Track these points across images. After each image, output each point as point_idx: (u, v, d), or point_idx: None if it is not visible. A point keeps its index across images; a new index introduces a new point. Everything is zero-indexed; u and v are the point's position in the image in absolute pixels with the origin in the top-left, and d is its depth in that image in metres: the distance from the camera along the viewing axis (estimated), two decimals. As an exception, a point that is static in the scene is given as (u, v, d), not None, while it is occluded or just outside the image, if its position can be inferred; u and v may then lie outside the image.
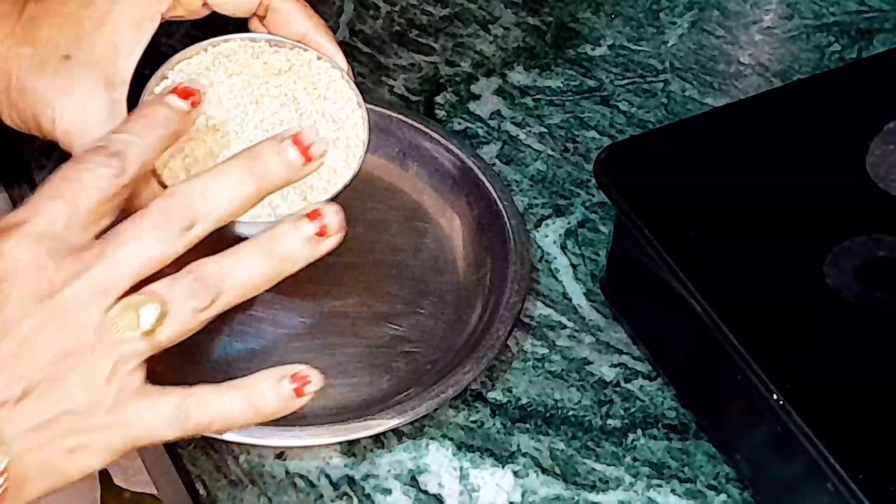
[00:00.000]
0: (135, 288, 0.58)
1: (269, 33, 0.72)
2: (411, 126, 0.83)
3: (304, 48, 0.72)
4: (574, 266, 0.79)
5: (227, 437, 0.69)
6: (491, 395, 0.73)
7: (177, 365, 0.73)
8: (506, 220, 0.78)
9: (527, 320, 0.77)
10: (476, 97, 0.89)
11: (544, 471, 0.70)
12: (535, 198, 0.83)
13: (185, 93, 0.64)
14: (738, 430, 0.69)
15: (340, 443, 0.70)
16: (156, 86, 0.70)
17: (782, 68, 0.91)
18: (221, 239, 0.62)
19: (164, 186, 0.67)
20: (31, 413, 0.56)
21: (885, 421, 0.63)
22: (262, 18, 0.72)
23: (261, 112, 0.69)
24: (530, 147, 0.86)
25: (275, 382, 0.60)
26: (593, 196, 0.83)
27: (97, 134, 0.65)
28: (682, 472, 0.70)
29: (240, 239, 0.62)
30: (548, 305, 0.77)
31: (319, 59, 0.72)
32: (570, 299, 0.78)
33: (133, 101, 0.68)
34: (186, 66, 0.70)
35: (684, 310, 0.67)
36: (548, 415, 0.73)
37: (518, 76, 0.90)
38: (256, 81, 0.70)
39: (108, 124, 0.66)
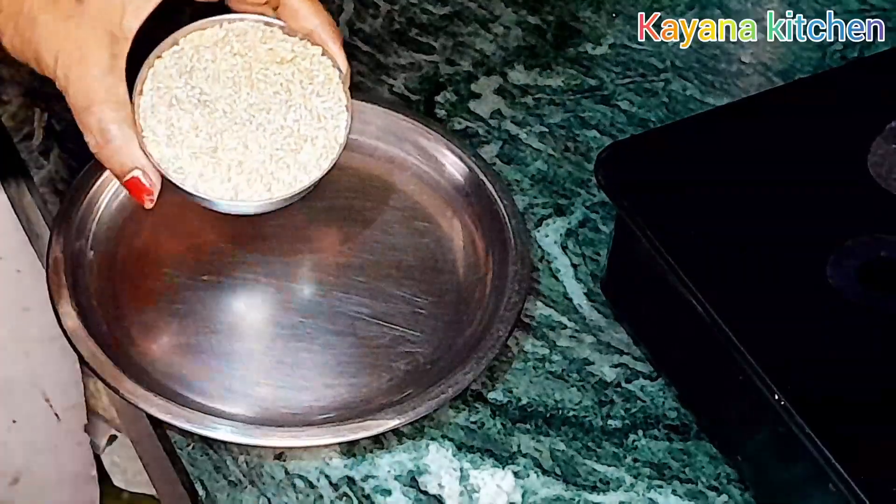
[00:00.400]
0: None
1: None
2: (411, 125, 0.83)
3: (311, 43, 0.73)
4: (575, 266, 0.79)
5: (227, 437, 0.69)
6: (491, 395, 0.73)
7: (175, 364, 0.73)
8: (506, 219, 0.78)
9: (527, 320, 0.76)
10: (476, 96, 0.88)
11: (545, 471, 0.70)
12: (535, 197, 0.82)
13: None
14: (740, 431, 0.69)
15: (340, 443, 0.70)
16: (166, 49, 0.72)
17: (784, 67, 0.91)
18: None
19: (145, 152, 0.69)
20: None
21: (887, 421, 0.62)
22: (274, 10, 0.73)
23: (253, 96, 0.71)
24: (531, 146, 0.85)
25: None
26: (594, 196, 0.82)
27: (93, 85, 0.68)
28: (683, 472, 0.70)
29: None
30: (548, 305, 0.77)
31: (323, 55, 0.73)
32: (570, 299, 0.78)
33: (140, 59, 0.70)
34: (199, 36, 0.72)
35: (685, 310, 0.67)
36: (548, 415, 0.72)
37: (518, 75, 0.90)
38: (258, 65, 0.72)
39: (105, 78, 0.68)
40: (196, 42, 0.72)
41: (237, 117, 0.70)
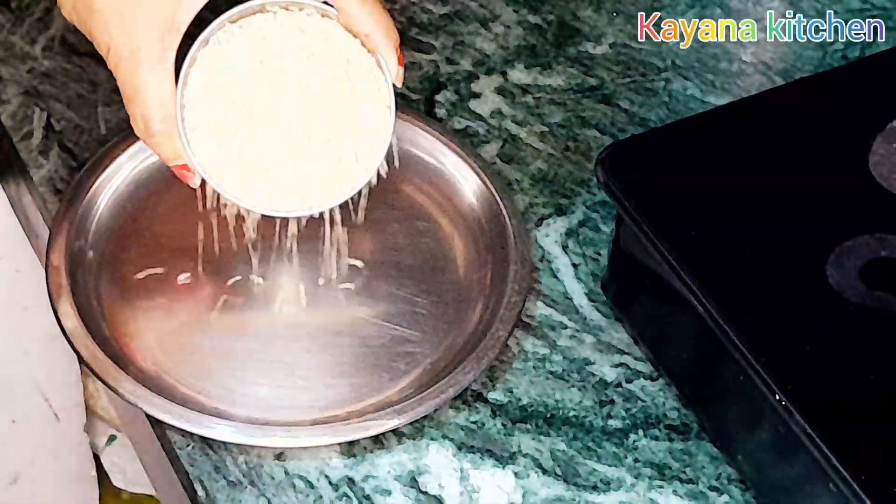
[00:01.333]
0: None
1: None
2: (411, 125, 0.82)
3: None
4: (575, 266, 0.79)
5: (226, 437, 0.69)
6: (491, 395, 0.73)
7: (175, 364, 0.73)
8: (506, 219, 0.78)
9: (527, 320, 0.76)
10: (476, 96, 0.88)
11: (545, 472, 0.70)
12: (535, 197, 0.82)
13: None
14: (740, 431, 0.69)
15: (340, 443, 0.70)
16: (215, 33, 0.69)
17: (784, 67, 0.91)
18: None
19: (186, 144, 0.69)
20: None
21: (887, 421, 0.62)
22: None
23: (299, 102, 0.69)
24: (531, 146, 0.85)
25: None
26: (594, 195, 0.82)
27: (142, 79, 0.68)
28: (684, 472, 0.70)
29: None
30: (549, 305, 0.77)
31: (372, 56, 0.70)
32: (571, 299, 0.77)
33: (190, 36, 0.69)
34: (249, 22, 0.69)
35: (686, 310, 0.67)
36: (549, 415, 0.72)
37: (519, 74, 0.90)
38: (307, 69, 0.69)
39: (153, 73, 0.68)
40: (246, 28, 0.70)
41: (280, 122, 0.69)
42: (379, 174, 0.72)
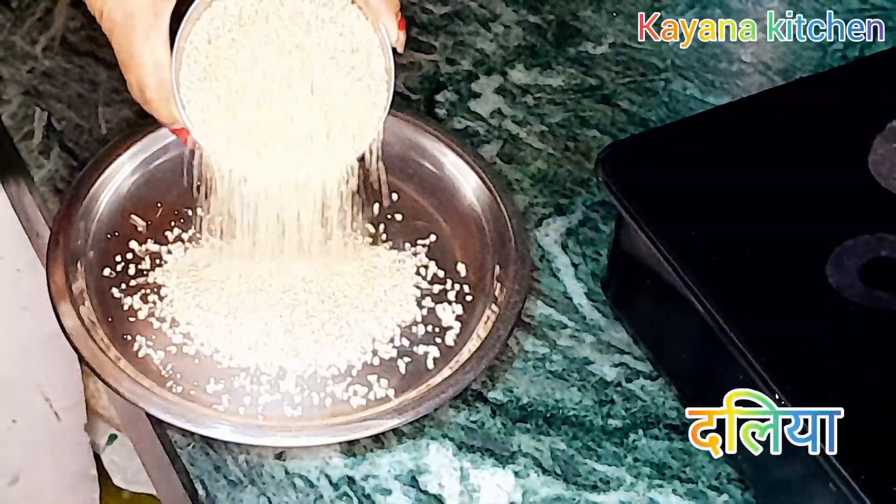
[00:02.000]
0: None
1: None
2: (411, 125, 0.82)
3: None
4: (575, 265, 0.79)
5: (227, 436, 0.69)
6: (491, 394, 0.73)
7: (175, 363, 0.73)
8: (506, 219, 0.78)
9: (527, 320, 0.76)
10: (476, 95, 0.88)
11: (545, 471, 0.70)
12: (535, 197, 0.82)
13: None
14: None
15: (340, 443, 0.70)
16: (209, 4, 0.69)
17: (784, 67, 0.91)
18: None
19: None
20: None
21: (887, 421, 0.62)
22: None
23: (294, 73, 0.68)
24: (531, 146, 0.85)
25: None
26: (594, 195, 0.82)
27: (135, 45, 0.67)
28: (684, 472, 0.70)
29: None
30: (549, 305, 0.77)
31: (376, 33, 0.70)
32: (570, 299, 0.78)
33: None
34: None
35: (686, 309, 0.67)
36: (548, 415, 0.72)
37: (519, 74, 0.90)
38: (303, 40, 0.69)
39: (147, 39, 0.68)
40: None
41: (276, 88, 0.68)
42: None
